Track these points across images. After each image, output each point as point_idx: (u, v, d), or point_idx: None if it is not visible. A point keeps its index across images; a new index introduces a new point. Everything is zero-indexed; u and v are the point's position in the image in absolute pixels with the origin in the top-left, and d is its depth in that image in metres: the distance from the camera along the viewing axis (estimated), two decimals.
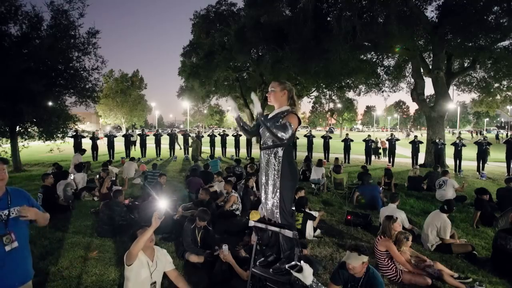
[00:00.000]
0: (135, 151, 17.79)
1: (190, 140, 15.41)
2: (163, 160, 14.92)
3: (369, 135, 14.78)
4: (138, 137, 16.82)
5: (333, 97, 29.68)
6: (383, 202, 6.82)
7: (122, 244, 4.45)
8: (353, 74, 14.73)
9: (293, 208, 4.75)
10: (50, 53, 9.92)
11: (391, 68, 16.04)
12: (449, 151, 13.07)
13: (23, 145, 11.53)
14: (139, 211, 5.64)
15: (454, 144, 12.35)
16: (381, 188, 8.15)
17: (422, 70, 14.11)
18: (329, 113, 50.80)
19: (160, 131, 22.18)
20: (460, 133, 38.29)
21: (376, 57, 15.50)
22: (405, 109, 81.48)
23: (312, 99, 26.23)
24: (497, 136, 35.45)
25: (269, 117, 2.65)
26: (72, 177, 7.45)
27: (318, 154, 15.11)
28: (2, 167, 2.07)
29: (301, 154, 14.18)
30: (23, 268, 2.13)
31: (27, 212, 2.02)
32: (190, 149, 14.76)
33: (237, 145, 16.11)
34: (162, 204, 2.55)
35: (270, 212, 2.59)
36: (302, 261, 2.28)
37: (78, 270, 3.73)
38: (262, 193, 2.67)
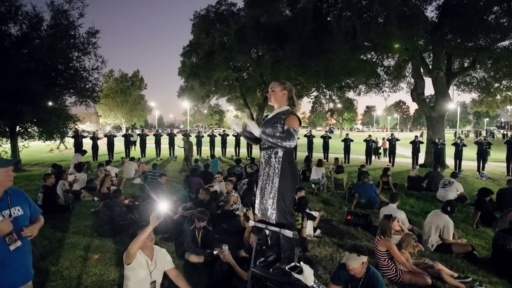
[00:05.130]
0: (135, 151, 17.79)
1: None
2: (163, 160, 14.93)
3: (369, 135, 14.79)
4: (138, 137, 16.84)
5: (333, 97, 29.58)
6: (381, 202, 6.85)
7: (122, 244, 4.44)
8: (353, 74, 14.70)
9: (304, 212, 4.75)
10: (50, 53, 9.92)
11: (391, 68, 16.01)
12: (450, 151, 13.07)
13: (23, 145, 11.53)
14: (139, 211, 5.64)
15: (454, 144, 12.35)
16: (380, 188, 8.18)
17: (422, 70, 14.10)
18: (329, 113, 50.79)
19: (160, 131, 22.15)
20: (461, 136, 38.19)
21: (376, 57, 15.48)
22: (405, 109, 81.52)
23: (312, 99, 26.04)
24: (493, 135, 35.46)
25: (269, 117, 2.65)
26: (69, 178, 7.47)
27: (318, 154, 15.11)
28: (11, 168, 2.14)
29: (301, 154, 14.19)
30: (25, 267, 2.15)
31: (32, 231, 2.08)
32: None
33: (237, 145, 16.15)
34: (163, 206, 2.54)
35: (266, 212, 2.57)
36: (302, 262, 2.28)
37: (78, 270, 3.73)
38: (258, 193, 2.64)
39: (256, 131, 2.47)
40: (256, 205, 2.68)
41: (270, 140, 2.40)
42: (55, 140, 11.78)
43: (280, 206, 2.49)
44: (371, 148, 14.67)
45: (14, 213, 2.06)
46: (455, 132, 42.57)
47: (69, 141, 13.20)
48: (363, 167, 9.31)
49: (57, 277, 3.57)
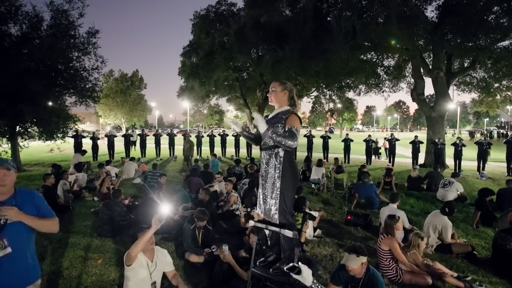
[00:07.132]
0: (135, 151, 17.79)
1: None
2: (163, 160, 14.93)
3: (369, 135, 14.81)
4: (138, 137, 16.85)
5: (333, 97, 29.61)
6: (381, 202, 6.85)
7: (122, 244, 4.44)
8: (353, 74, 14.70)
9: (304, 211, 4.73)
10: (50, 53, 9.92)
11: (391, 68, 16.01)
12: (449, 151, 13.07)
13: (23, 145, 11.52)
14: (137, 212, 5.63)
15: (454, 144, 12.35)
16: (380, 188, 8.18)
17: (422, 70, 14.09)
18: (329, 113, 50.72)
19: (160, 131, 22.16)
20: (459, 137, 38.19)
21: (376, 57, 15.48)
22: (405, 109, 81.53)
23: (312, 99, 26.08)
24: (500, 135, 35.56)
25: (269, 117, 2.64)
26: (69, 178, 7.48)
27: (318, 154, 15.11)
28: (3, 172, 1.95)
29: (301, 154, 14.19)
30: (20, 273, 2.03)
31: (9, 212, 1.86)
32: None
33: (237, 145, 16.15)
34: (165, 209, 2.53)
35: (268, 212, 2.57)
36: (300, 262, 2.28)
37: (78, 270, 3.73)
38: (260, 193, 2.64)
39: (262, 126, 2.42)
40: (259, 206, 2.67)
41: (274, 138, 2.37)
42: (55, 140, 11.76)
43: (280, 206, 2.48)
44: (371, 148, 14.68)
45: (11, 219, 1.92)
46: (469, 132, 42.55)
47: (69, 141, 13.18)
48: (364, 168, 9.31)
49: (57, 277, 3.57)
